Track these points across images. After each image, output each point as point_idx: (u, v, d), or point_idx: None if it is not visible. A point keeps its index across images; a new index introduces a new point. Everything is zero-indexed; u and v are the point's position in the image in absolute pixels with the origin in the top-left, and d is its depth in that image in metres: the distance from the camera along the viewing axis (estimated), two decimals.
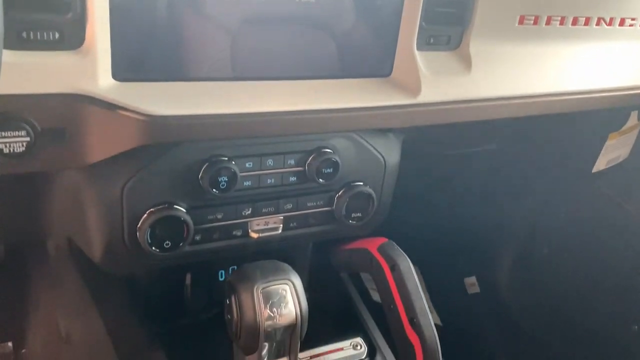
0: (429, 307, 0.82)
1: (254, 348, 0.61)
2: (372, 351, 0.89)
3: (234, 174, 0.70)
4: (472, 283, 1.54)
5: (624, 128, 1.10)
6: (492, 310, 1.49)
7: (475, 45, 0.80)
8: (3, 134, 0.58)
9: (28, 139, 0.59)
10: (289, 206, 0.79)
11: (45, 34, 0.57)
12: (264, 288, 0.61)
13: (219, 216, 0.75)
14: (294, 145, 0.75)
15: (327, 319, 0.92)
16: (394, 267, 0.81)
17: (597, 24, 0.88)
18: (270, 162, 0.74)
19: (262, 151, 0.73)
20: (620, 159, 1.19)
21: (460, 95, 0.79)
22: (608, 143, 1.11)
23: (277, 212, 0.79)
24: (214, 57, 0.68)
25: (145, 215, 0.69)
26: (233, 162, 0.70)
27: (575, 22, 0.86)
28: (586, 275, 1.33)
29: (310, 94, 0.72)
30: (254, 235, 0.78)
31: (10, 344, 1.12)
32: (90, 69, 0.60)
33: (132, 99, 0.61)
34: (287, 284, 0.63)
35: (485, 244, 1.49)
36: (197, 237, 0.74)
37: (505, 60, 0.84)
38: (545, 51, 0.87)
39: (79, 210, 0.72)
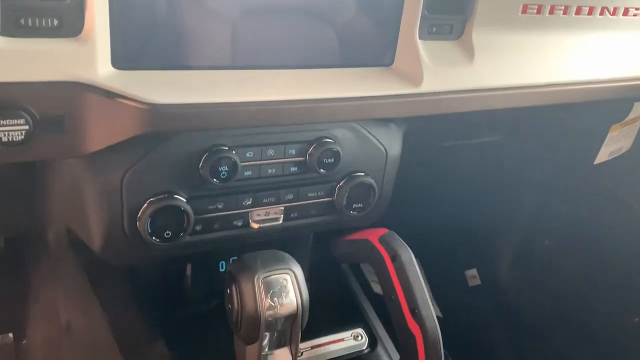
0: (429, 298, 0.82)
1: (255, 338, 0.61)
2: (373, 342, 0.89)
3: (235, 163, 0.69)
4: (472, 275, 1.54)
5: (626, 119, 1.09)
6: (493, 302, 1.49)
7: (478, 35, 0.80)
8: (1, 122, 0.58)
9: (27, 127, 0.59)
10: (290, 196, 0.79)
11: (43, 20, 0.57)
12: (264, 278, 0.61)
13: (220, 206, 0.74)
14: (295, 135, 0.74)
15: (328, 309, 0.92)
16: (395, 258, 0.81)
17: (601, 13, 0.88)
18: (271, 152, 0.74)
19: (263, 141, 0.73)
20: (623, 151, 1.18)
21: (462, 85, 0.78)
22: (610, 134, 1.10)
23: (277, 202, 0.78)
24: (215, 45, 0.67)
25: (145, 205, 0.69)
26: (233, 152, 0.70)
27: (578, 11, 0.85)
28: (587, 268, 1.33)
29: (311, 83, 0.71)
30: (255, 225, 0.77)
31: (11, 335, 1.13)
32: (89, 57, 0.59)
33: (131, 87, 0.61)
34: (288, 273, 0.62)
35: (486, 236, 1.49)
36: (198, 227, 0.74)
37: (508, 50, 0.83)
38: (548, 41, 0.86)
39: (79, 200, 0.72)
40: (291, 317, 0.62)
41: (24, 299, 1.07)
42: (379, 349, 0.88)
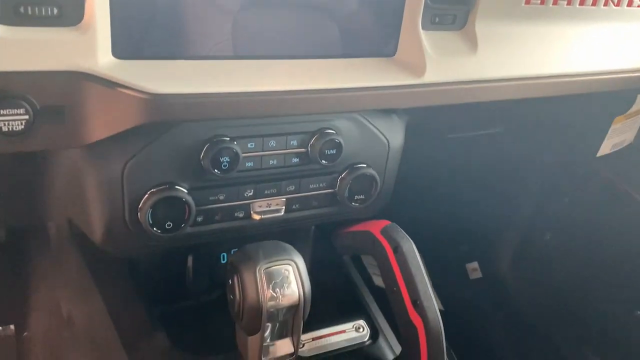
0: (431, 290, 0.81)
1: (257, 329, 0.61)
2: (374, 333, 0.89)
3: (236, 154, 0.69)
4: (474, 268, 1.54)
5: (630, 111, 1.09)
6: (494, 295, 1.49)
7: (481, 25, 0.79)
8: (1, 112, 0.57)
9: (27, 117, 0.58)
10: (292, 188, 0.78)
11: (43, 9, 0.56)
12: (266, 268, 0.61)
13: (221, 197, 0.74)
14: (297, 126, 0.74)
15: (330, 301, 0.92)
16: (396, 249, 0.81)
17: (605, 4, 0.87)
18: (272, 142, 0.73)
19: (265, 132, 0.72)
20: (626, 143, 1.17)
21: (465, 75, 0.78)
22: (613, 127, 1.10)
23: (279, 193, 0.78)
24: (216, 34, 0.67)
25: (146, 195, 0.68)
26: (235, 143, 0.69)
27: (582, 1, 0.85)
28: (588, 261, 1.32)
29: (313, 73, 0.71)
30: (256, 217, 0.77)
31: (12, 326, 1.13)
32: (89, 46, 0.59)
33: (132, 76, 0.60)
34: (290, 264, 0.62)
35: (487, 229, 1.48)
36: (199, 219, 0.73)
37: (512, 40, 0.82)
38: (551, 32, 0.85)
39: (80, 190, 0.71)
40: (293, 308, 0.62)
41: (25, 291, 1.07)
42: (381, 341, 0.88)
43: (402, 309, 0.80)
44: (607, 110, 1.09)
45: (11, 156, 0.76)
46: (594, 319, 1.30)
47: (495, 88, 0.81)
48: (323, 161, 0.75)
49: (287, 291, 0.61)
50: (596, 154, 1.15)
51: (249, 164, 0.73)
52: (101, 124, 0.62)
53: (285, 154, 0.75)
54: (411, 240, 0.81)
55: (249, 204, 0.77)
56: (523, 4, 0.81)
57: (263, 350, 0.62)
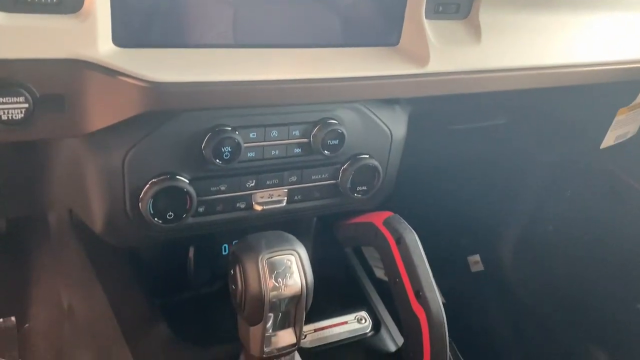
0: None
1: (259, 319, 0.61)
2: (376, 325, 0.89)
3: (238, 144, 0.68)
4: (475, 261, 1.54)
5: (634, 103, 1.08)
6: (496, 288, 1.49)
7: (485, 15, 0.78)
8: (1, 100, 0.57)
9: (26, 105, 0.58)
10: (294, 179, 0.78)
11: None
12: (268, 258, 0.60)
13: (223, 188, 0.73)
14: (299, 116, 0.73)
15: (332, 293, 0.92)
16: (399, 240, 0.80)
17: None
18: (274, 133, 0.73)
19: (267, 122, 0.72)
20: (629, 135, 1.17)
21: (469, 65, 0.77)
22: (617, 118, 1.09)
23: (281, 184, 0.77)
24: (218, 23, 0.66)
25: (147, 185, 0.68)
26: (237, 133, 0.69)
27: None
28: (591, 253, 1.32)
29: (316, 62, 0.70)
30: (258, 207, 0.77)
31: (13, 318, 1.12)
32: (89, 34, 0.58)
33: (133, 65, 0.60)
34: (292, 254, 0.62)
35: (489, 221, 1.48)
36: (201, 209, 0.73)
37: (515, 30, 0.82)
38: (555, 21, 0.85)
39: (80, 180, 0.71)
40: (295, 298, 0.61)
41: (26, 282, 1.06)
42: (383, 332, 0.88)
43: (405, 300, 0.79)
44: (611, 101, 1.08)
45: (11, 146, 0.76)
46: (596, 311, 1.30)
47: (499, 78, 0.80)
48: (325, 151, 0.74)
49: (289, 281, 0.60)
50: (600, 145, 1.14)
51: (250, 154, 0.72)
52: (102, 113, 0.62)
53: (287, 144, 0.74)
54: (414, 232, 0.81)
55: (250, 194, 0.76)
56: None
57: (265, 340, 0.62)
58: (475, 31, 0.78)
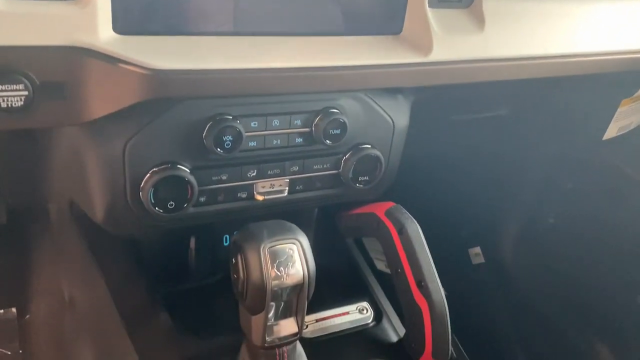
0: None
1: (261, 308, 0.60)
2: (378, 315, 0.89)
3: (239, 133, 0.68)
4: (476, 253, 1.53)
5: (637, 94, 1.07)
6: (497, 280, 1.49)
7: (488, 3, 0.78)
8: (0, 87, 0.56)
9: (26, 93, 0.57)
10: (295, 168, 0.77)
11: None
12: (270, 247, 0.60)
13: (224, 177, 0.73)
14: (301, 105, 0.73)
15: (333, 283, 0.91)
16: (401, 231, 0.80)
17: None
18: (276, 122, 0.72)
19: (268, 111, 0.71)
20: (632, 127, 1.16)
21: (472, 54, 0.77)
22: (620, 109, 1.08)
23: (282, 174, 0.77)
24: (219, 10, 0.65)
25: (148, 175, 0.67)
26: (238, 122, 0.68)
27: None
28: (592, 245, 1.32)
29: (318, 50, 0.69)
30: (259, 197, 0.76)
31: (14, 309, 1.12)
32: (89, 21, 0.58)
33: (134, 52, 0.59)
34: (294, 243, 0.61)
35: (490, 213, 1.48)
36: (202, 199, 0.73)
37: (519, 19, 0.81)
38: (559, 10, 0.84)
39: (81, 170, 0.70)
40: (297, 288, 0.61)
41: (26, 273, 1.06)
42: (384, 323, 0.88)
43: (407, 290, 0.79)
44: (613, 92, 1.07)
45: (11, 135, 0.76)
46: (597, 304, 1.29)
47: (502, 67, 0.80)
48: (327, 141, 0.74)
49: (291, 270, 0.60)
50: (602, 137, 1.13)
51: (252, 144, 0.72)
52: (102, 101, 0.61)
53: (289, 133, 0.74)
54: (416, 222, 0.81)
55: (252, 184, 0.76)
56: None
57: (267, 330, 0.62)
58: (479, 20, 0.78)
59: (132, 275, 0.88)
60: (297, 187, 0.79)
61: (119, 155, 0.66)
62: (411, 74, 0.73)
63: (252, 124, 0.71)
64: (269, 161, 0.75)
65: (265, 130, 0.72)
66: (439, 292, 0.77)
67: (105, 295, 0.85)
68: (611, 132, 1.12)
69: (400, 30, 0.75)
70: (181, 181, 0.68)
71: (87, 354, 0.90)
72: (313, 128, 0.74)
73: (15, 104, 0.57)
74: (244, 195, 0.76)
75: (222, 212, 0.76)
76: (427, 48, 0.73)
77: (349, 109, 0.75)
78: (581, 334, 1.33)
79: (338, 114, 0.73)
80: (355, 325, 0.87)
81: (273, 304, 0.61)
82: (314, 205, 0.91)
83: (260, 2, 0.67)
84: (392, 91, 0.80)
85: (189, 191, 0.69)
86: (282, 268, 0.60)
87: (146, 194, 0.67)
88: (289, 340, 0.64)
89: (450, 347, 0.80)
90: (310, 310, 0.85)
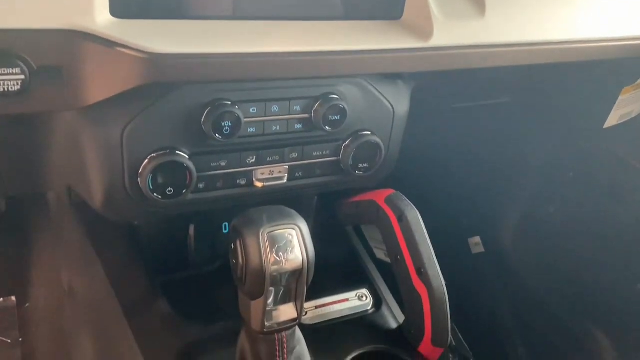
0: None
1: (260, 293, 0.60)
2: (377, 302, 0.89)
3: (238, 119, 0.67)
4: (476, 243, 1.53)
5: (638, 82, 1.07)
6: (497, 269, 1.49)
7: None
8: None
9: (23, 77, 0.57)
10: (295, 155, 0.77)
11: None
12: (270, 232, 0.60)
13: (223, 164, 0.73)
14: (300, 90, 0.72)
15: (333, 271, 0.92)
16: (401, 218, 0.80)
17: None
18: (275, 108, 0.72)
19: (267, 96, 0.71)
20: (633, 115, 1.15)
21: (473, 40, 0.76)
22: (621, 97, 1.08)
23: (282, 161, 0.77)
24: None
25: (147, 160, 0.67)
26: (237, 107, 0.68)
27: None
28: (592, 234, 1.31)
29: (317, 35, 0.69)
30: (259, 184, 0.76)
31: (13, 298, 1.13)
32: (86, 4, 0.57)
33: (131, 36, 0.59)
34: (293, 228, 0.61)
35: (490, 202, 1.47)
36: (201, 185, 0.72)
37: (520, 4, 0.80)
38: None
39: (79, 156, 0.70)
40: (296, 273, 0.61)
41: (26, 262, 1.06)
42: (384, 310, 0.88)
43: (406, 277, 0.79)
44: (615, 80, 1.07)
45: (9, 122, 0.75)
46: (597, 292, 1.29)
47: (503, 53, 0.79)
48: (327, 127, 0.73)
49: (290, 256, 0.60)
50: (603, 125, 1.13)
51: (251, 130, 0.71)
52: (100, 85, 0.61)
53: (288, 119, 0.73)
54: (415, 209, 0.81)
55: (251, 171, 0.75)
56: None
57: (266, 315, 0.62)
58: (480, 5, 0.77)
59: (131, 263, 0.88)
60: (297, 174, 0.79)
61: (117, 140, 0.66)
62: (411, 60, 0.72)
63: (251, 110, 0.70)
64: (268, 147, 0.75)
65: (265, 116, 0.72)
66: (438, 279, 0.77)
67: (105, 283, 0.85)
68: (612, 120, 1.12)
69: (401, 15, 0.74)
70: (180, 167, 0.68)
71: (87, 341, 0.90)
72: (312, 114, 0.73)
73: (11, 88, 0.57)
74: (243, 182, 0.75)
75: (221, 199, 0.75)
76: (428, 33, 0.72)
77: (348, 94, 0.75)
78: (581, 322, 1.33)
79: (338, 100, 0.73)
80: (354, 312, 0.87)
81: (272, 289, 0.61)
82: (313, 192, 0.91)
83: None
84: (392, 77, 0.80)
85: (188, 177, 0.69)
86: (281, 253, 0.60)
87: (145, 180, 0.67)
88: (288, 325, 0.64)
89: (450, 336, 0.80)
90: (310, 297, 0.85)
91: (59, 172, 0.82)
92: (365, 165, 0.81)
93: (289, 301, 0.63)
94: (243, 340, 0.67)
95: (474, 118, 1.14)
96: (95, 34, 0.58)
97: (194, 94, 0.67)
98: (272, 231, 0.60)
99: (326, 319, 0.85)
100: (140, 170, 0.67)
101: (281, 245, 0.60)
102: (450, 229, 1.48)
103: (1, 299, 1.12)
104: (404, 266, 0.79)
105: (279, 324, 0.63)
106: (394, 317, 0.88)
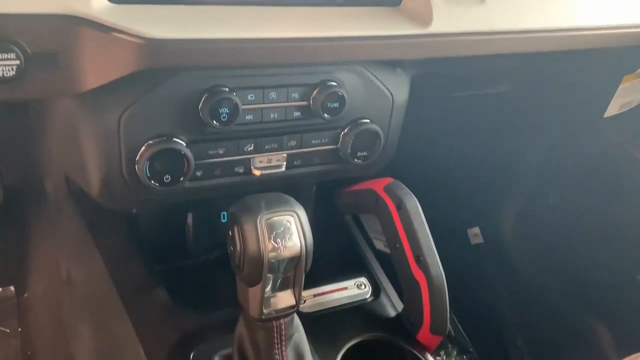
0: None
1: (258, 280, 0.60)
2: (376, 291, 0.89)
3: (236, 105, 0.67)
4: (475, 234, 1.53)
5: (639, 70, 1.06)
6: (496, 260, 1.49)
7: None
8: None
9: (18, 62, 0.57)
10: (293, 143, 0.76)
11: None
12: (267, 219, 0.59)
13: (220, 151, 0.72)
14: (299, 77, 0.72)
15: (332, 260, 0.91)
16: (400, 206, 0.80)
17: None
18: (273, 95, 0.71)
19: (265, 83, 0.70)
20: (634, 104, 1.15)
21: (473, 27, 0.75)
22: (622, 86, 1.07)
23: (280, 149, 0.76)
24: None
25: (144, 147, 0.67)
26: (234, 94, 0.67)
27: None
28: (592, 225, 1.31)
29: (315, 21, 0.68)
30: (257, 172, 0.76)
31: (12, 288, 1.13)
32: None
33: (128, 21, 0.58)
34: (291, 215, 0.61)
35: (489, 194, 1.47)
36: (198, 173, 0.72)
37: None
38: None
39: (76, 144, 0.70)
40: (295, 260, 0.60)
41: (24, 251, 1.06)
42: (382, 298, 0.88)
43: (405, 265, 0.79)
44: (615, 68, 1.06)
45: (5, 110, 0.75)
46: (597, 283, 1.29)
47: (503, 40, 0.78)
48: (325, 115, 0.73)
49: (288, 242, 0.60)
50: (603, 114, 1.12)
51: (248, 117, 0.71)
52: (96, 71, 0.60)
53: (286, 106, 0.73)
54: (414, 197, 0.80)
55: (249, 158, 0.75)
56: None
57: (264, 302, 0.61)
58: None
59: (129, 252, 0.88)
60: (295, 162, 0.78)
61: (114, 127, 0.65)
62: (410, 46, 0.72)
63: (249, 97, 0.70)
64: (267, 135, 0.74)
65: (263, 103, 0.71)
66: (437, 266, 0.76)
67: (103, 272, 0.85)
68: (612, 109, 1.11)
69: (400, 1, 0.74)
70: (177, 154, 0.68)
71: (85, 331, 0.90)
72: (311, 101, 0.73)
73: (7, 73, 0.57)
74: (241, 170, 0.75)
75: (219, 187, 0.75)
76: (427, 19, 0.72)
77: (347, 82, 0.74)
78: (580, 313, 1.33)
79: (336, 87, 0.72)
80: (353, 301, 0.87)
81: (270, 276, 0.61)
82: (312, 180, 0.91)
83: None
84: (392, 65, 0.79)
85: (185, 165, 0.69)
86: (279, 240, 0.59)
87: (142, 167, 0.67)
88: (286, 312, 0.63)
89: (449, 326, 0.80)
90: (308, 286, 0.85)
91: (56, 160, 0.82)
92: (364, 153, 0.80)
93: (287, 288, 0.63)
94: (241, 327, 0.66)
95: (473, 108, 1.14)
96: (91, 19, 0.58)
97: (191, 80, 0.66)
98: (270, 218, 0.60)
99: (325, 307, 0.84)
100: (138, 157, 0.67)
101: (279, 232, 0.60)
102: (449, 220, 1.47)
103: (0, 289, 1.12)
104: (403, 254, 0.79)
105: (277, 311, 0.63)
106: (392, 305, 0.88)
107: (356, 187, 0.90)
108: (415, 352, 0.81)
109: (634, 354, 0.68)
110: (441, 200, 1.36)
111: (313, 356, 0.71)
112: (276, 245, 0.59)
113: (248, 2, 0.66)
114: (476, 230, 1.53)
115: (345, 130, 0.78)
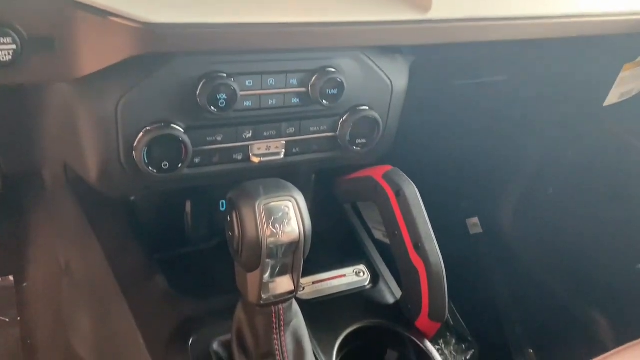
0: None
1: (256, 265, 0.60)
2: (375, 278, 0.89)
3: (234, 91, 0.66)
4: (474, 223, 1.53)
5: (639, 58, 1.06)
6: (495, 250, 1.49)
7: None
8: None
9: (14, 46, 0.56)
10: (291, 130, 0.76)
11: None
12: (266, 204, 0.59)
13: (219, 138, 0.72)
14: (297, 63, 0.71)
15: (330, 247, 0.91)
16: (399, 193, 0.79)
17: None
18: (271, 81, 0.71)
19: (263, 69, 0.70)
20: (634, 93, 1.14)
21: (472, 13, 0.75)
22: (622, 75, 1.07)
23: (278, 136, 0.76)
24: None
25: (141, 134, 0.66)
26: (232, 80, 0.67)
27: None
28: (591, 215, 1.31)
29: (314, 6, 0.68)
30: (255, 159, 0.75)
31: (11, 277, 1.13)
32: None
33: (125, 5, 0.58)
34: (290, 200, 0.60)
35: (489, 183, 1.47)
36: (197, 160, 0.72)
37: None
38: None
39: (73, 130, 0.69)
40: (293, 245, 0.60)
41: (23, 241, 1.06)
42: (381, 285, 0.88)
43: (404, 252, 0.79)
44: (615, 57, 1.06)
45: (3, 98, 0.74)
46: (596, 272, 1.30)
47: (503, 27, 0.78)
48: (324, 101, 0.73)
49: (287, 228, 0.59)
50: (603, 103, 1.12)
51: (247, 103, 0.71)
52: (93, 56, 0.60)
53: (284, 93, 0.72)
54: (413, 184, 0.80)
55: (247, 145, 0.75)
56: None
57: (263, 287, 0.61)
58: None
59: (128, 239, 0.88)
60: (294, 150, 0.78)
61: (111, 113, 0.65)
62: (409, 32, 0.71)
63: (247, 83, 0.69)
64: (265, 122, 0.74)
65: (261, 90, 0.71)
66: (435, 253, 0.76)
67: (102, 260, 0.85)
68: (612, 98, 1.11)
69: None
70: (175, 141, 0.67)
71: (84, 318, 0.90)
72: (309, 88, 0.72)
73: (3, 58, 0.56)
74: (239, 157, 0.75)
75: (217, 174, 0.75)
76: (426, 5, 0.71)
77: (346, 68, 0.74)
78: (579, 303, 1.33)
79: (335, 73, 0.72)
80: (351, 288, 0.87)
81: (269, 261, 0.61)
82: (310, 168, 0.90)
83: None
84: (391, 51, 0.79)
85: (183, 151, 0.68)
86: (277, 225, 0.59)
87: (139, 154, 0.67)
88: (284, 297, 0.63)
89: (447, 314, 0.80)
90: (307, 273, 0.85)
91: (54, 147, 0.81)
92: (363, 140, 0.80)
93: (286, 273, 0.63)
94: (240, 313, 0.66)
95: (474, 97, 1.13)
96: (88, 3, 0.57)
97: (189, 65, 0.66)
98: (269, 203, 0.59)
99: (323, 295, 0.85)
100: (135, 143, 0.67)
101: (277, 217, 0.59)
102: (448, 209, 1.47)
103: None
104: (402, 241, 0.79)
105: (275, 296, 0.63)
106: (391, 292, 0.88)
107: (355, 175, 0.90)
108: (414, 338, 0.81)
109: (631, 342, 0.69)
110: (440, 190, 1.35)
111: (312, 342, 0.72)
112: (275, 231, 0.59)
113: None
114: (475, 220, 1.53)
115: (344, 117, 0.78)
